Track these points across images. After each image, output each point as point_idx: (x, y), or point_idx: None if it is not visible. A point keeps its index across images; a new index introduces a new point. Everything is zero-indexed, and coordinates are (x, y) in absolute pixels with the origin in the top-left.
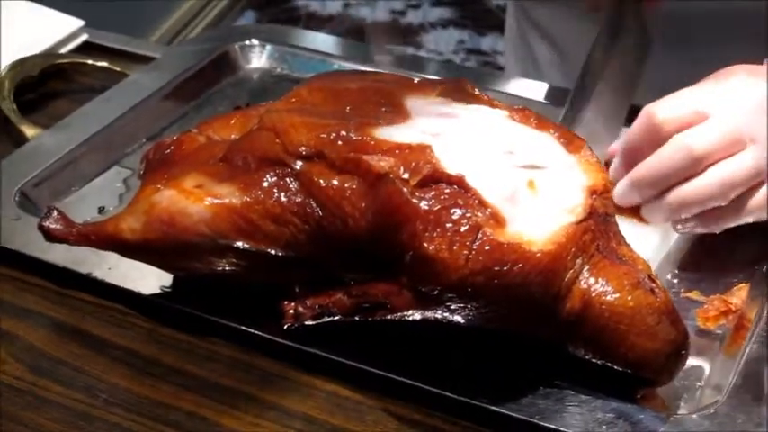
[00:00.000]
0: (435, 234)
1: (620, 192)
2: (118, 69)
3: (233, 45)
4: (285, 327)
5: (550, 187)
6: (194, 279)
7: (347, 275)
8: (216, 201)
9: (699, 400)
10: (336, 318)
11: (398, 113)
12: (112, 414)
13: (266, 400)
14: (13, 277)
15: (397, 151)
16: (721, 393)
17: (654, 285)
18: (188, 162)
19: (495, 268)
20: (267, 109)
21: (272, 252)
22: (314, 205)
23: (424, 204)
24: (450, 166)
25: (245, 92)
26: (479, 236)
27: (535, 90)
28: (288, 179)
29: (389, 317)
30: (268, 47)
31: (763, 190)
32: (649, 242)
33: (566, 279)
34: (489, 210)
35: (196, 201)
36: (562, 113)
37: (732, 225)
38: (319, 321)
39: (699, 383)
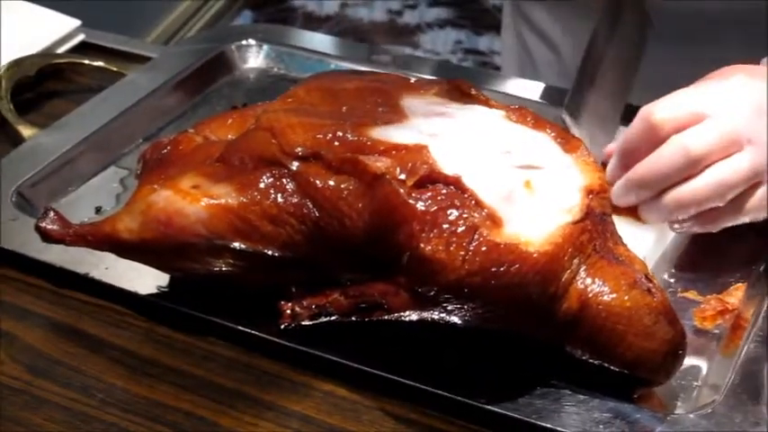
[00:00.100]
0: (432, 234)
1: (618, 192)
2: (115, 69)
3: (230, 45)
4: (282, 327)
5: (547, 187)
6: (191, 279)
7: (344, 276)
8: (213, 201)
9: (696, 400)
10: (333, 318)
11: (395, 113)
12: (109, 414)
13: (264, 400)
14: (9, 277)
15: (393, 151)
16: (718, 393)
17: (651, 285)
18: (185, 162)
19: (492, 269)
20: (264, 109)
21: (269, 252)
22: (311, 206)
23: (420, 205)
24: (447, 167)
25: (242, 92)
26: (476, 236)
27: (532, 90)
28: (285, 179)
29: (386, 317)
30: (265, 47)
31: (760, 190)
32: (646, 242)
33: (563, 279)
34: (486, 210)
35: (193, 201)
36: (567, 98)
37: (729, 225)
38: (316, 321)
39: (696, 383)
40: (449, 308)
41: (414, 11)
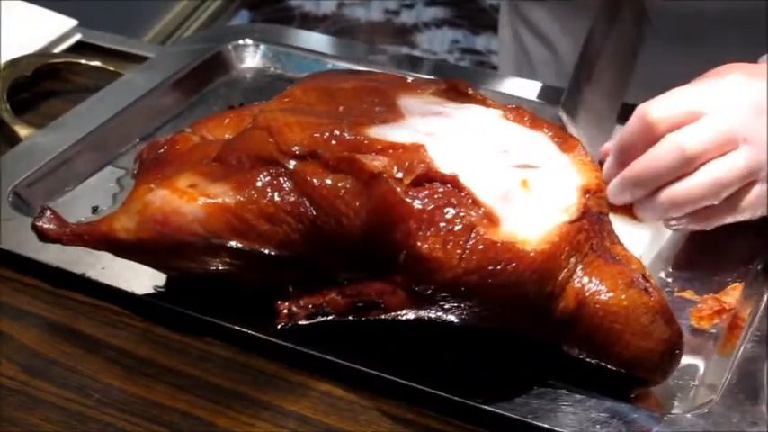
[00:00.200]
0: (429, 233)
1: (613, 190)
2: (111, 69)
3: (227, 45)
4: (279, 326)
5: (544, 186)
6: (188, 279)
7: (341, 275)
8: (210, 200)
9: (693, 400)
10: (330, 317)
11: (392, 113)
12: (106, 414)
13: (261, 400)
14: (6, 277)
15: (390, 150)
16: (715, 392)
17: (648, 284)
18: (182, 162)
19: (489, 267)
20: (261, 108)
21: (266, 251)
22: (308, 205)
23: (417, 204)
24: (444, 166)
25: (238, 91)
26: (473, 235)
27: (529, 89)
28: (282, 178)
29: (383, 316)
30: (262, 46)
31: (755, 189)
32: (642, 241)
33: (560, 278)
34: (483, 209)
35: (190, 200)
36: (563, 96)
37: (724, 223)
38: (313, 321)
39: (693, 382)
40: (446, 307)
41: (411, 10)
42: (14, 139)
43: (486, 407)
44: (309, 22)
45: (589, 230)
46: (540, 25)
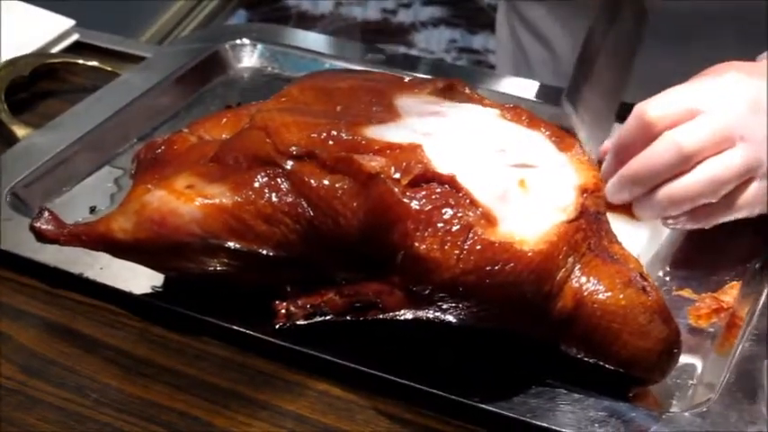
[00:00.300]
0: (427, 233)
1: (612, 189)
2: (109, 69)
3: (224, 44)
4: (277, 326)
5: (542, 186)
6: (186, 279)
7: (339, 275)
8: (207, 201)
9: (691, 399)
10: (328, 317)
11: (390, 113)
12: (104, 414)
13: (258, 400)
14: (4, 278)
15: (388, 151)
16: (714, 391)
17: (646, 284)
18: (179, 162)
19: (487, 267)
20: (258, 108)
21: (264, 252)
22: (305, 205)
23: (415, 204)
24: (442, 166)
25: (236, 91)
26: (471, 235)
27: (526, 88)
28: (279, 179)
29: (381, 316)
30: (259, 46)
31: (752, 186)
32: (640, 240)
33: (557, 278)
34: (481, 209)
35: (187, 201)
36: (566, 87)
37: (723, 221)
38: (311, 321)
39: (691, 382)
40: (443, 307)
41: (408, 9)
42: (12, 140)
43: (484, 406)
44: (306, 21)
45: (587, 230)
46: (538, 24)
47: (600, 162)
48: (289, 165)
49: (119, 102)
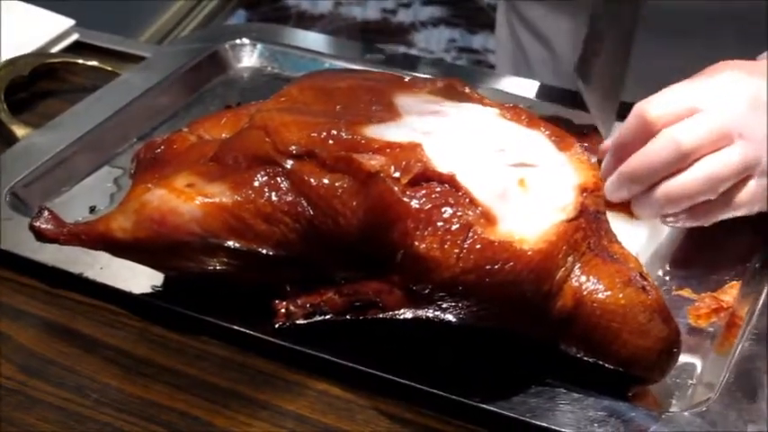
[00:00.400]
0: (426, 233)
1: (611, 187)
2: (109, 69)
3: (224, 44)
4: (277, 326)
5: (541, 185)
6: (186, 278)
7: (338, 274)
8: (207, 200)
9: (691, 398)
10: (328, 317)
11: (389, 112)
12: (104, 414)
13: (258, 400)
14: (3, 277)
15: (387, 150)
16: (713, 391)
17: (645, 283)
18: (179, 161)
19: (487, 267)
20: (258, 108)
21: (264, 251)
22: (305, 204)
23: (415, 203)
24: (441, 165)
25: (235, 91)
26: (470, 234)
27: (526, 88)
28: (279, 178)
29: (381, 315)
30: (259, 46)
31: (751, 184)
32: (639, 239)
33: (557, 277)
34: (480, 208)
35: (187, 200)
36: (575, 63)
37: (721, 218)
38: (311, 320)
39: (691, 381)
40: (443, 306)
41: (408, 9)
42: (12, 139)
43: (484, 406)
44: (306, 21)
45: (586, 229)
46: (538, 24)
47: (599, 162)
48: (288, 164)
49: (118, 101)
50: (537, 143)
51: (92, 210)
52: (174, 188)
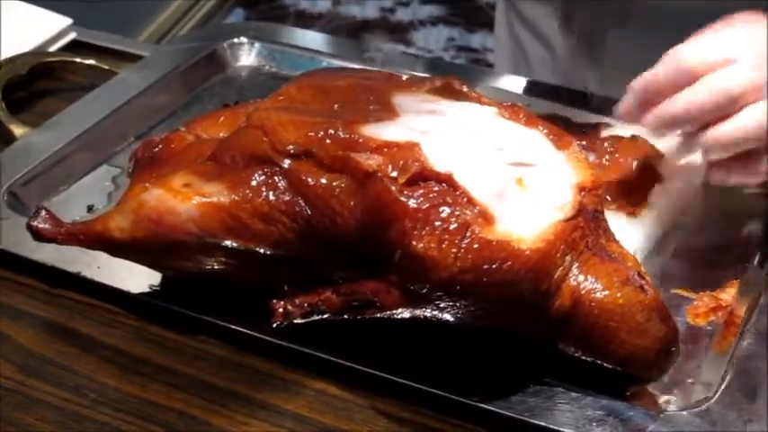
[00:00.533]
0: (424, 232)
1: (652, 121)
2: (106, 68)
3: (222, 43)
4: (274, 325)
5: (539, 184)
6: (183, 278)
7: (336, 274)
8: (204, 199)
9: (689, 397)
10: (326, 316)
11: (387, 111)
12: (102, 413)
13: (256, 399)
14: (2, 277)
15: (385, 149)
16: (711, 390)
17: (643, 282)
18: (177, 160)
19: (485, 266)
20: (255, 107)
21: (261, 251)
22: (302, 204)
23: (412, 202)
24: (439, 164)
25: (233, 90)
26: (468, 234)
27: (524, 86)
28: (276, 177)
29: (379, 315)
30: (257, 45)
31: None
32: (638, 238)
33: (555, 276)
34: (478, 207)
35: (184, 199)
36: None
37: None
38: (308, 320)
39: (689, 380)
40: (441, 305)
41: (406, 8)
42: (10, 139)
43: (482, 405)
44: (304, 20)
45: (584, 228)
46: (537, 22)
47: None
48: (286, 163)
49: (116, 100)
50: (535, 142)
51: (89, 209)
52: (171, 188)
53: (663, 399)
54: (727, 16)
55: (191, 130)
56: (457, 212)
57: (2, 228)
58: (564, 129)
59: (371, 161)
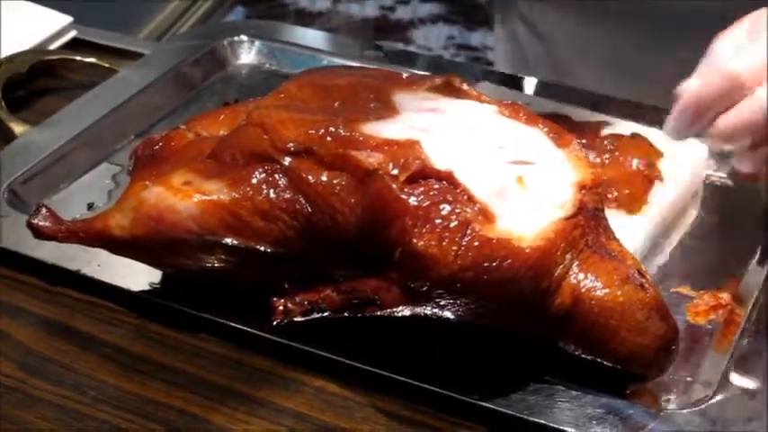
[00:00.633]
0: (424, 230)
1: (717, 133)
2: (107, 66)
3: (222, 41)
4: (275, 323)
5: (540, 182)
6: (183, 276)
7: (336, 272)
8: (204, 197)
9: (689, 396)
10: (326, 314)
11: (387, 109)
12: (101, 411)
13: (256, 397)
14: (2, 275)
15: (386, 147)
16: (711, 389)
17: (643, 280)
18: (177, 158)
19: (485, 264)
20: (256, 105)
21: (262, 248)
22: (303, 201)
23: (413, 200)
24: (440, 162)
25: (233, 88)
26: (468, 231)
27: (524, 85)
28: (276, 175)
29: (379, 313)
30: (257, 43)
31: None
32: (638, 236)
33: (555, 275)
34: (478, 205)
35: (184, 197)
36: None
37: None
38: (309, 318)
39: (689, 379)
40: (441, 303)
41: (406, 6)
42: (10, 137)
43: (482, 403)
44: (305, 18)
45: (585, 226)
46: (535, 21)
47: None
48: (286, 161)
49: (116, 99)
50: (535, 140)
51: (90, 207)
52: (171, 185)
53: (663, 397)
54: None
55: (191, 128)
56: (457, 210)
57: (2, 225)
58: (564, 127)
59: (372, 159)
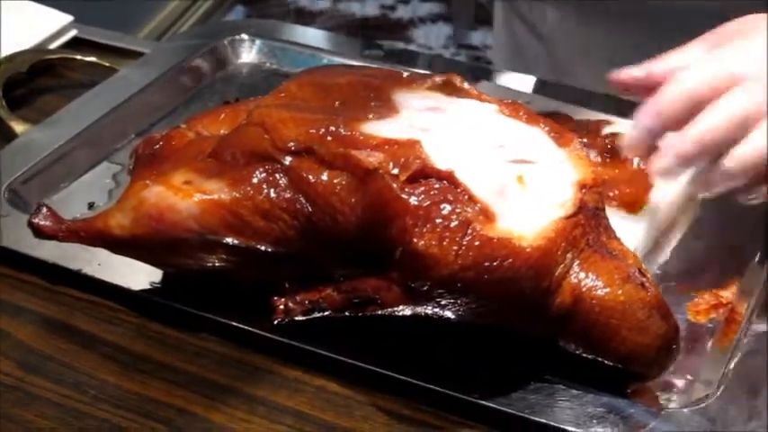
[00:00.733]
0: (425, 229)
1: (664, 166)
2: (107, 65)
3: (222, 40)
4: (275, 322)
5: (540, 182)
6: (184, 275)
7: (337, 271)
8: (205, 196)
9: (690, 395)
10: (326, 313)
11: (388, 108)
12: (102, 410)
13: (257, 396)
14: (3, 274)
15: (386, 146)
16: (712, 388)
17: (644, 279)
18: (177, 158)
19: (485, 263)
20: (256, 104)
21: (262, 248)
22: (303, 201)
23: (413, 200)
24: (440, 161)
25: (234, 87)
26: (469, 231)
27: (525, 84)
28: (277, 175)
29: (379, 312)
30: (258, 42)
31: None
32: (638, 235)
33: (556, 274)
34: (479, 205)
35: (185, 197)
36: None
37: None
38: (309, 317)
39: (690, 377)
40: (442, 303)
41: (406, 5)
42: (10, 136)
43: (483, 402)
44: (305, 17)
45: (585, 226)
46: (535, 20)
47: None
48: (287, 160)
49: (117, 98)
50: (536, 139)
51: (90, 206)
52: (171, 185)
53: (663, 396)
54: (725, 18)
55: (191, 127)
56: (458, 210)
57: (2, 225)
58: (565, 126)
59: (372, 158)
